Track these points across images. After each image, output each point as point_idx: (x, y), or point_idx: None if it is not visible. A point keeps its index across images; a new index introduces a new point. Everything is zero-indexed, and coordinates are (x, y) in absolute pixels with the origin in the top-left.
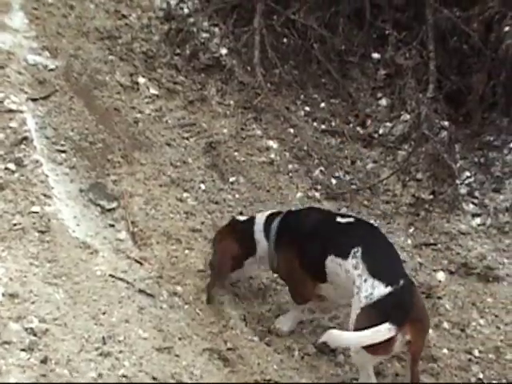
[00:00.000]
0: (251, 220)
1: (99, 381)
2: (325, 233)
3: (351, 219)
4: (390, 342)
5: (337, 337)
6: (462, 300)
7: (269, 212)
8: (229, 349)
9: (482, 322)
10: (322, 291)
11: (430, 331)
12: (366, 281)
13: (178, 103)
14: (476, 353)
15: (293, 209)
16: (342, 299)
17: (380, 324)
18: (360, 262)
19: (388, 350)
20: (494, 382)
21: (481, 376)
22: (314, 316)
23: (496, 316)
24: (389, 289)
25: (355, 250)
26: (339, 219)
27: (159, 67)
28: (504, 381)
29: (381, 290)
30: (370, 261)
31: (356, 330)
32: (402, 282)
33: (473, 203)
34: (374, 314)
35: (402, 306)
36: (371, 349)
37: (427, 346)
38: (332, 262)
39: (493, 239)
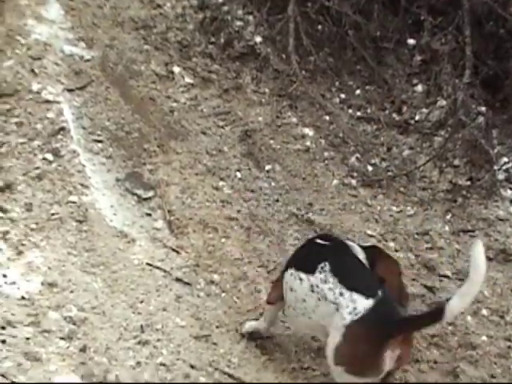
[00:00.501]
0: None
1: (137, 369)
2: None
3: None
4: (379, 359)
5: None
6: (501, 286)
7: None
8: (266, 337)
9: None
10: None
11: (469, 318)
12: (342, 295)
13: (213, 92)
14: None
15: None
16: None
17: (369, 340)
18: (330, 275)
19: (378, 370)
20: None
21: None
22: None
23: None
24: (371, 301)
25: (322, 265)
26: (319, 240)
27: (194, 56)
28: None
29: (363, 302)
30: (342, 274)
31: (340, 350)
32: (380, 292)
33: (511, 189)
34: (362, 329)
35: (390, 318)
36: (355, 369)
37: (466, 333)
38: (291, 276)
39: None
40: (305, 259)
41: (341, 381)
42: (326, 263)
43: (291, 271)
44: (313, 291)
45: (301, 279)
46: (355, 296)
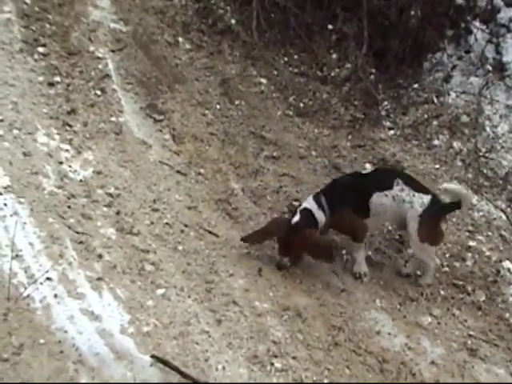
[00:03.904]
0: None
1: (151, 226)
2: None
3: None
4: (441, 231)
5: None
6: None
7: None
8: (233, 208)
9: None
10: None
11: None
12: (414, 196)
13: (203, 54)
14: None
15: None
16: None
17: (439, 219)
18: (404, 186)
19: (443, 237)
20: None
21: None
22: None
23: None
24: (429, 196)
25: (396, 181)
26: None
27: (192, 31)
28: None
29: (426, 197)
30: (410, 184)
31: (422, 230)
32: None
33: (389, 121)
34: (431, 213)
35: (439, 205)
36: (433, 241)
37: None
38: (377, 197)
39: (402, 142)
40: (381, 182)
41: (425, 253)
42: (398, 179)
43: (376, 194)
44: (394, 199)
45: (385, 195)
46: (421, 195)
